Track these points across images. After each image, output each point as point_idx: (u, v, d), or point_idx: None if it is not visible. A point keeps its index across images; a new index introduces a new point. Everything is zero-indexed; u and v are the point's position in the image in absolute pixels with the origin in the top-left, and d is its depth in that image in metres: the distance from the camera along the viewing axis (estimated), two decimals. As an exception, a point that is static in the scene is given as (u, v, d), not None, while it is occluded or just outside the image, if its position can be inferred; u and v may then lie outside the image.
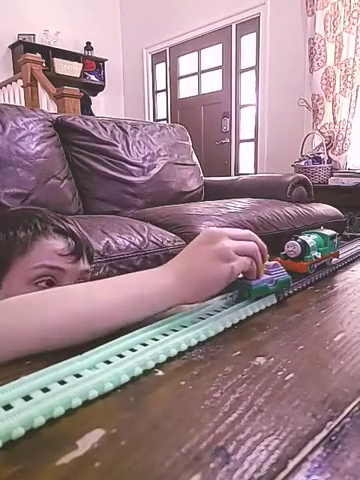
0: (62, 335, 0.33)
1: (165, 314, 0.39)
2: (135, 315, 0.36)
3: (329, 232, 0.60)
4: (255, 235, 0.42)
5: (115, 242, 1.10)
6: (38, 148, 1.49)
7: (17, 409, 0.24)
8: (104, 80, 4.39)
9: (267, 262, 0.44)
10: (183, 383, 0.28)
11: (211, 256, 0.37)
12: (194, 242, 0.40)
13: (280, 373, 0.30)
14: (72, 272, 0.55)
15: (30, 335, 0.32)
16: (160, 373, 0.30)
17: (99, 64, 4.32)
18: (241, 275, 0.44)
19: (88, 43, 4.22)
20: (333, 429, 0.23)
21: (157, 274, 0.38)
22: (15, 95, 3.27)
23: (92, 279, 0.56)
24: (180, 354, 0.33)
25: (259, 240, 0.42)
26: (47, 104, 2.88)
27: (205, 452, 0.21)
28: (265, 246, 0.43)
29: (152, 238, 1.19)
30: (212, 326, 0.37)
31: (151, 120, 4.23)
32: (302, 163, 2.74)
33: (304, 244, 0.54)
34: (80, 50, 4.20)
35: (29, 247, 0.53)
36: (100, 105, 4.38)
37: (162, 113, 4.32)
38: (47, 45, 3.88)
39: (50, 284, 0.53)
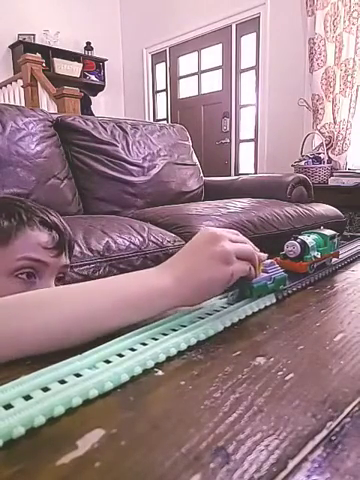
0: (61, 336, 0.32)
1: (165, 314, 0.39)
2: (133, 317, 0.35)
3: (329, 232, 0.60)
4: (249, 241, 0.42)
5: (115, 242, 1.10)
6: (38, 148, 1.49)
7: (17, 408, 0.24)
8: (104, 80, 4.39)
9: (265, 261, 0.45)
10: (183, 383, 0.28)
11: (212, 258, 0.37)
12: (193, 242, 0.39)
13: (280, 373, 0.30)
14: (54, 266, 0.54)
15: (31, 336, 0.32)
16: (160, 373, 0.30)
17: (99, 64, 4.32)
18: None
19: (88, 43, 4.22)
20: (333, 429, 0.23)
21: (155, 275, 0.37)
22: (15, 95, 3.27)
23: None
24: (180, 354, 0.33)
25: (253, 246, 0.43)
26: (47, 104, 2.88)
27: (205, 452, 0.21)
28: (259, 253, 0.43)
29: (152, 238, 1.19)
30: (212, 326, 0.37)
31: (151, 120, 4.23)
32: (302, 163, 2.74)
33: (303, 244, 0.54)
34: (80, 50, 4.20)
35: (13, 237, 0.51)
36: (100, 105, 4.38)
37: (162, 113, 4.32)
38: (47, 45, 3.88)
39: (30, 276, 0.52)
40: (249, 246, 0.40)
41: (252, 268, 0.40)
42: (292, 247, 0.54)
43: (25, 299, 0.35)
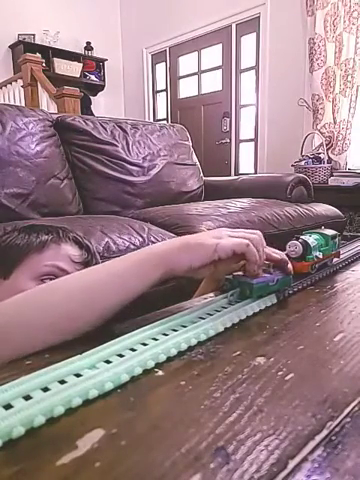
0: (83, 308, 0.35)
1: (165, 314, 0.39)
2: (136, 285, 0.36)
3: (330, 232, 0.60)
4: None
5: (115, 243, 1.10)
6: (38, 148, 1.49)
7: (17, 408, 0.24)
8: (104, 80, 4.39)
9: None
10: (183, 383, 0.28)
11: (205, 233, 0.40)
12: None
13: (280, 373, 0.30)
14: None
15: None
16: (160, 373, 0.30)
17: (99, 64, 4.32)
18: (241, 273, 0.44)
19: (88, 43, 4.23)
20: (333, 429, 0.23)
21: (153, 246, 0.40)
22: (15, 95, 3.27)
23: None
24: (180, 354, 0.33)
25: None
26: (47, 104, 2.88)
27: (205, 452, 0.21)
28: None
29: (152, 238, 1.19)
30: (212, 326, 0.37)
31: (151, 120, 4.23)
32: (302, 163, 2.74)
33: (306, 244, 0.54)
34: (80, 50, 4.20)
35: (46, 247, 0.58)
36: (100, 105, 4.38)
37: (162, 113, 4.32)
38: (47, 45, 3.88)
39: None
40: (254, 235, 0.41)
41: (251, 245, 0.40)
42: (294, 247, 0.54)
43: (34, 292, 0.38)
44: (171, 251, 0.38)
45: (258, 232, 0.42)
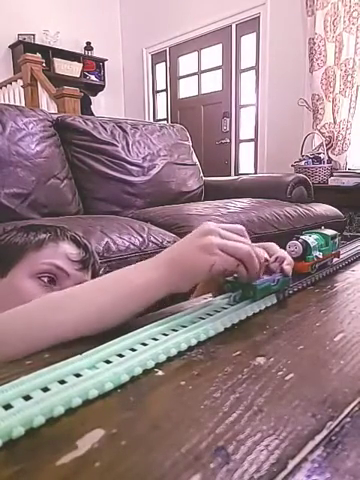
0: (69, 335, 0.35)
1: (165, 314, 0.39)
2: (131, 308, 0.37)
3: (330, 232, 0.60)
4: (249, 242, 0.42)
5: (115, 243, 1.10)
6: (38, 148, 1.49)
7: (17, 408, 0.24)
8: (104, 80, 4.39)
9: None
10: (183, 383, 0.28)
11: (195, 248, 0.39)
12: (187, 235, 0.41)
13: (280, 373, 0.30)
14: (74, 279, 0.57)
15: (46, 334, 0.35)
16: (160, 373, 0.30)
17: (99, 64, 4.32)
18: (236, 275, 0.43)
19: (88, 43, 4.23)
20: (333, 429, 0.23)
21: (148, 267, 0.39)
22: (15, 95, 3.27)
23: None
24: (180, 354, 0.33)
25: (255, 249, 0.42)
26: (47, 104, 2.88)
27: (205, 452, 0.21)
28: (262, 255, 0.43)
29: (152, 238, 1.19)
30: (212, 326, 0.37)
31: (151, 120, 4.23)
32: (302, 163, 2.74)
33: (306, 244, 0.54)
34: (80, 50, 4.20)
35: (44, 245, 0.58)
36: (100, 105, 4.39)
37: (162, 113, 4.32)
38: (47, 45, 3.88)
39: (50, 282, 0.56)
40: (245, 246, 0.39)
41: (241, 265, 0.39)
42: (294, 247, 0.54)
43: (39, 302, 0.38)
44: (173, 275, 0.38)
45: (247, 242, 0.41)
